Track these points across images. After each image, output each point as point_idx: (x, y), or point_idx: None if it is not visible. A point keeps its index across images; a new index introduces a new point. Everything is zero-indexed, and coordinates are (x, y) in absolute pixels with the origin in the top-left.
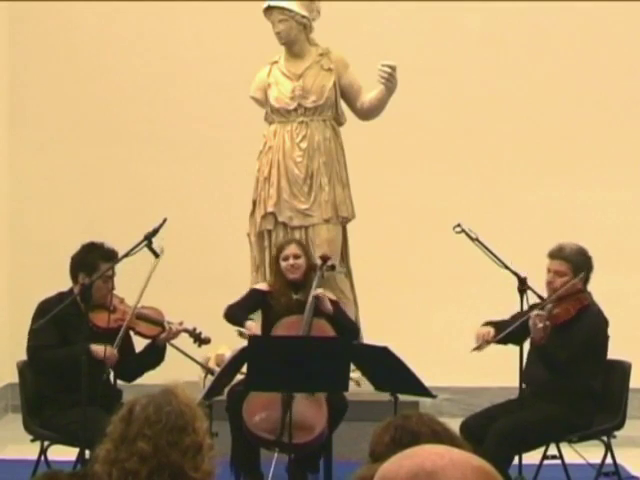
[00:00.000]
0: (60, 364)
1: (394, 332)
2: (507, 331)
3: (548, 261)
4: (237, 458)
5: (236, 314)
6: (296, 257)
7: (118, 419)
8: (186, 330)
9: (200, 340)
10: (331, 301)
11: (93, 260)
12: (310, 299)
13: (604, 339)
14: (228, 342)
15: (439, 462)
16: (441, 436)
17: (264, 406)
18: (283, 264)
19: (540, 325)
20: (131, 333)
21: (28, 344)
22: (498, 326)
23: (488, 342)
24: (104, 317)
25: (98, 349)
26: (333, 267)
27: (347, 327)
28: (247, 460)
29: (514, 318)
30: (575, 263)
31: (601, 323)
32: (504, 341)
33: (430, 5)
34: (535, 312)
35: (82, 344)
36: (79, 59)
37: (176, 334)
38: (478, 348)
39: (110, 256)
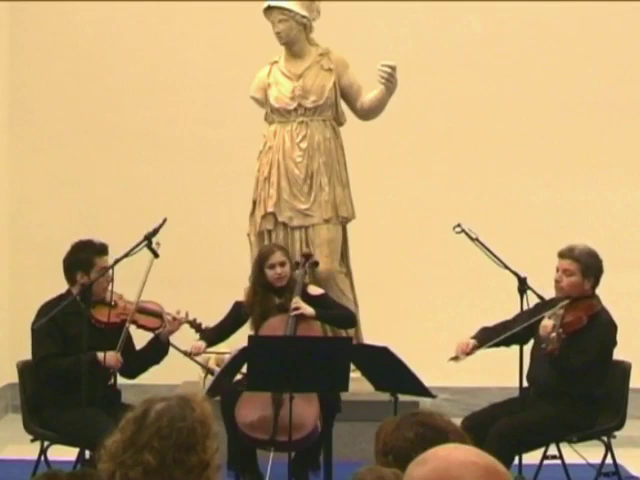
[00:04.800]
0: (67, 373)
1: (394, 332)
2: (502, 337)
3: (558, 260)
4: (234, 459)
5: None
6: (282, 265)
7: (132, 418)
8: (187, 321)
9: (201, 331)
10: (315, 297)
11: (87, 256)
12: (290, 318)
13: (614, 346)
14: (228, 342)
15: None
16: (461, 435)
17: (255, 407)
18: (270, 273)
19: (553, 334)
20: (130, 330)
21: (33, 352)
22: (489, 333)
23: (467, 354)
24: (105, 312)
25: (110, 357)
26: (316, 264)
27: (338, 319)
28: (244, 461)
29: (517, 318)
30: (585, 264)
31: (612, 331)
32: (507, 343)
33: (430, 5)
34: (545, 321)
35: (88, 353)
36: (79, 59)
37: (177, 325)
38: (455, 359)
39: (102, 249)
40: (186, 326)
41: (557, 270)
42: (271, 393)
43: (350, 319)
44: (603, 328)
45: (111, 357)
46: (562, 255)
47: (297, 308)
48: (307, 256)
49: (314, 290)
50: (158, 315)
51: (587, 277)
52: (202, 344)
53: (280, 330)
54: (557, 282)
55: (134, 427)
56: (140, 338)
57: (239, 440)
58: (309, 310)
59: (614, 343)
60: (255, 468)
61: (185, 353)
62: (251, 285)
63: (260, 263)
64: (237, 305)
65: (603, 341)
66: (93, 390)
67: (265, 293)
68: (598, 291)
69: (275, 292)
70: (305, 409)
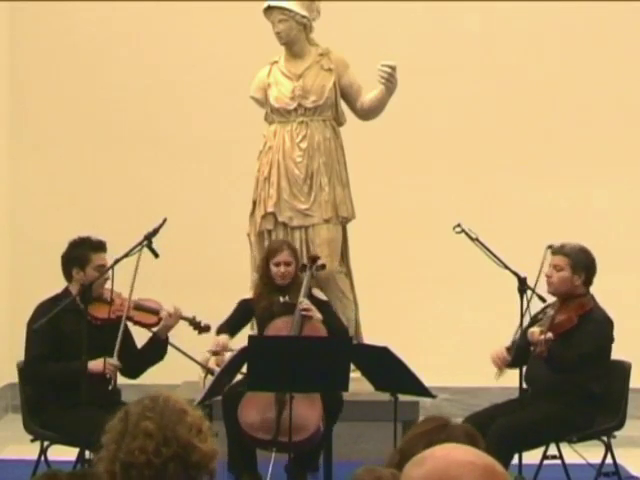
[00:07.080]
0: (57, 380)
1: (394, 332)
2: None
3: (550, 257)
4: (234, 459)
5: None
6: (287, 264)
7: (116, 421)
8: (185, 318)
9: (200, 328)
10: (321, 302)
11: (83, 252)
12: (297, 311)
13: (610, 342)
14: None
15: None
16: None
17: (258, 407)
18: (274, 269)
19: (541, 338)
20: (130, 328)
21: (26, 351)
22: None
23: (508, 365)
24: (103, 309)
25: (96, 365)
26: (323, 267)
27: (336, 330)
28: (244, 461)
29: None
30: (574, 259)
31: (607, 327)
32: (521, 363)
33: (429, 5)
34: (532, 329)
35: (80, 362)
36: (79, 59)
37: (175, 321)
38: (499, 373)
39: (99, 246)
40: (186, 326)
41: (549, 266)
42: (275, 393)
43: (345, 335)
44: (596, 325)
45: (95, 365)
46: (554, 252)
47: (308, 309)
48: (314, 259)
49: (320, 294)
50: (155, 312)
51: (577, 273)
52: (226, 337)
53: (285, 332)
54: (548, 277)
55: (120, 424)
56: (141, 337)
57: (239, 440)
58: (318, 315)
59: (610, 339)
60: (254, 469)
61: (185, 353)
62: (259, 277)
63: (267, 258)
64: (243, 302)
65: (597, 337)
66: (93, 390)
67: (270, 288)
68: (596, 290)
69: (279, 289)
70: (308, 411)
